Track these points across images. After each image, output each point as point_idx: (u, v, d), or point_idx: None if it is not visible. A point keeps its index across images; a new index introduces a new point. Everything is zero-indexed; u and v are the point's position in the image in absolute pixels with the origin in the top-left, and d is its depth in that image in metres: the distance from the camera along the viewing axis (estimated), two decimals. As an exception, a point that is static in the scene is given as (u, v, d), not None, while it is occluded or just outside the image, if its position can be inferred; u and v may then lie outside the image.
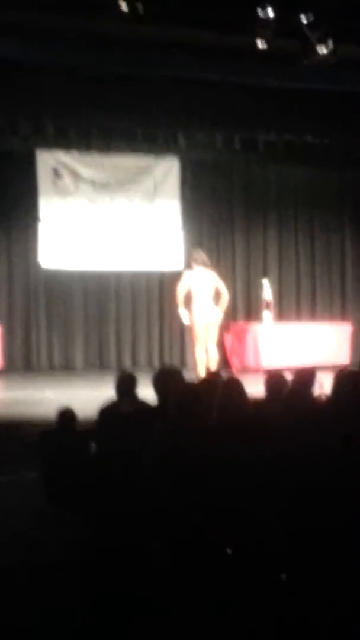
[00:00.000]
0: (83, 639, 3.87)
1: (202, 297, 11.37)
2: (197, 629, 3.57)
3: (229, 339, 13.72)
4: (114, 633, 3.76)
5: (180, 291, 11.45)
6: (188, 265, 12.05)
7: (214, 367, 10.96)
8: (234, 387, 5.16)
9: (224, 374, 7.47)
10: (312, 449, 3.90)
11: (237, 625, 3.50)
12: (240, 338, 13.62)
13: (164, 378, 5.96)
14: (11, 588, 4.62)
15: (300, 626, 3.43)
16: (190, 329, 11.68)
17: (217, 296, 11.60)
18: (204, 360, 11.34)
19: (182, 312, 11.44)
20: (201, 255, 11.77)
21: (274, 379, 5.92)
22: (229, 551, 3.92)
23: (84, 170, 13.56)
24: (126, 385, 6.63)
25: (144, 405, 6.26)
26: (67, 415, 6.85)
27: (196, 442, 4.30)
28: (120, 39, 10.65)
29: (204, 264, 11.63)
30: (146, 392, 6.54)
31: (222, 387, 5.23)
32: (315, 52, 9.87)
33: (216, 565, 3.85)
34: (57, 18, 10.20)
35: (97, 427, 6.34)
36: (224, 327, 13.42)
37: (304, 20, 9.63)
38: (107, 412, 6.40)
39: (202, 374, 10.78)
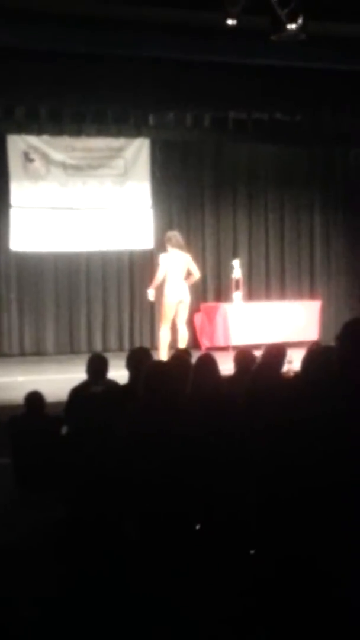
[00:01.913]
0: (59, 617, 3.84)
1: (174, 278, 11.38)
2: (169, 603, 3.56)
3: (198, 319, 13.76)
4: (89, 611, 3.73)
5: (160, 276, 11.42)
6: (163, 248, 11.98)
7: (183, 345, 10.97)
8: (208, 363, 5.15)
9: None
10: (279, 424, 3.87)
11: (207, 598, 3.50)
12: (210, 318, 13.67)
13: (137, 357, 6.00)
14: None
15: (268, 600, 3.43)
16: (160, 308, 11.71)
17: (188, 276, 11.56)
18: (167, 340, 11.37)
19: (150, 291, 11.47)
20: (176, 237, 11.72)
21: (243, 356, 5.92)
22: (197, 527, 3.91)
23: (55, 154, 13.48)
24: (97, 366, 6.69)
25: (114, 385, 6.27)
26: (34, 399, 6.79)
27: (165, 419, 4.27)
28: (89, 19, 10.52)
29: (179, 246, 11.58)
30: (116, 374, 6.56)
31: (196, 363, 5.24)
32: (285, 28, 9.75)
33: (187, 540, 3.83)
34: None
35: (67, 407, 6.34)
36: (194, 308, 13.45)
37: (273, -4, 9.53)
38: (78, 393, 6.44)
39: (163, 353, 10.79)
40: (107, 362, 6.75)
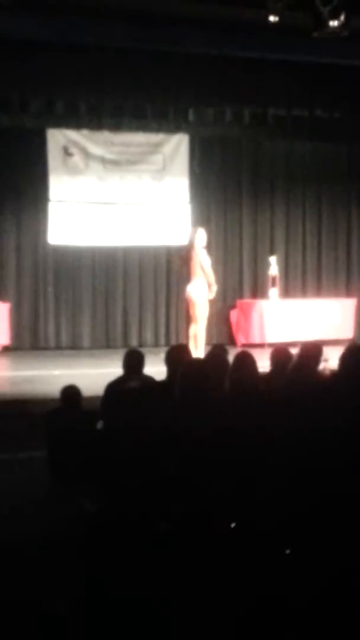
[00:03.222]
0: (86, 613, 3.85)
1: (189, 276, 11.22)
2: (200, 603, 3.54)
3: (234, 316, 13.73)
4: (117, 608, 3.73)
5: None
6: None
7: (194, 343, 10.88)
8: (247, 361, 5.12)
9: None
10: (315, 423, 3.85)
11: (240, 600, 3.48)
12: (246, 314, 13.66)
13: (175, 353, 5.99)
14: (17, 564, 4.60)
15: (303, 601, 3.40)
16: None
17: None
18: (190, 335, 11.22)
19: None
20: (195, 234, 11.46)
21: (279, 354, 5.87)
22: (232, 525, 3.89)
23: (94, 149, 13.53)
24: (134, 361, 6.66)
25: (150, 381, 6.25)
26: (71, 392, 6.80)
27: (201, 417, 4.25)
28: (130, 15, 10.56)
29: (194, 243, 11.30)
30: (152, 370, 6.54)
31: (235, 361, 5.22)
32: (327, 25, 9.73)
33: (221, 539, 3.81)
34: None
35: (103, 402, 6.33)
36: (231, 304, 13.61)
37: (315, -8, 9.53)
38: (114, 388, 6.40)
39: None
40: (144, 357, 6.73)
